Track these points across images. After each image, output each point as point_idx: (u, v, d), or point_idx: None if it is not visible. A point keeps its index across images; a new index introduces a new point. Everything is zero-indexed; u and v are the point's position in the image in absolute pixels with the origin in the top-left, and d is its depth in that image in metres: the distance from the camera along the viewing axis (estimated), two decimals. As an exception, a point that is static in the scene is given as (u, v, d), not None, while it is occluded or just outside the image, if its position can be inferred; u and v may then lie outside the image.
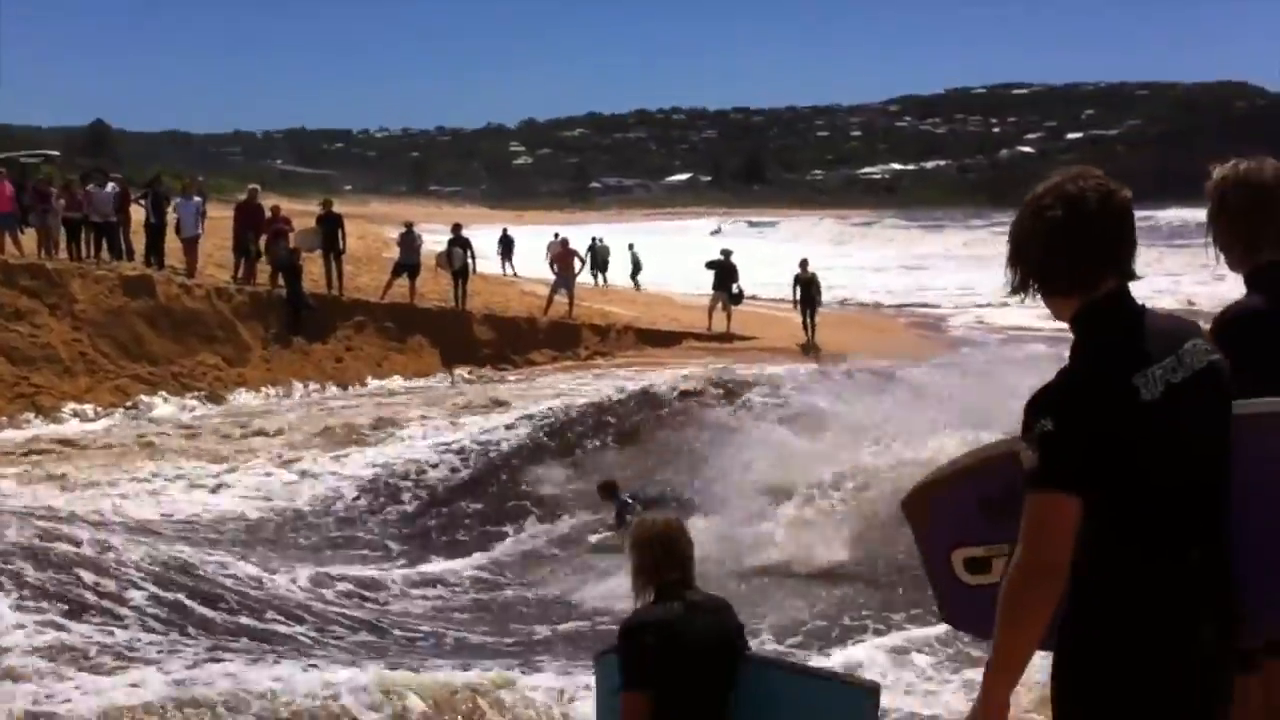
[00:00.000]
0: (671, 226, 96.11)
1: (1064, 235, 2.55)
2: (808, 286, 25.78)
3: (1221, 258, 3.20)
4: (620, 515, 13.14)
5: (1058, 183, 2.59)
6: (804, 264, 26.12)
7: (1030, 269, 2.64)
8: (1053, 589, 2.46)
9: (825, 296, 28.01)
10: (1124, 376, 2.48)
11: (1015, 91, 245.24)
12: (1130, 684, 2.51)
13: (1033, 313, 32.87)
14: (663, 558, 4.35)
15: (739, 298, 26.47)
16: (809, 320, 25.64)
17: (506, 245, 37.67)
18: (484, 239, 34.49)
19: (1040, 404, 2.50)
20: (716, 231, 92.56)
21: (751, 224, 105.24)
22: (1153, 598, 2.51)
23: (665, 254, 44.30)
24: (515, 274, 35.34)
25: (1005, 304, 34.00)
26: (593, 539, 13.62)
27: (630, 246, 39.05)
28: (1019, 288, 2.67)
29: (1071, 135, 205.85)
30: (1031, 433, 2.48)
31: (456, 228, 26.41)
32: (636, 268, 38.33)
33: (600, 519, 13.95)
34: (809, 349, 24.82)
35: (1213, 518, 2.58)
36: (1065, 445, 2.44)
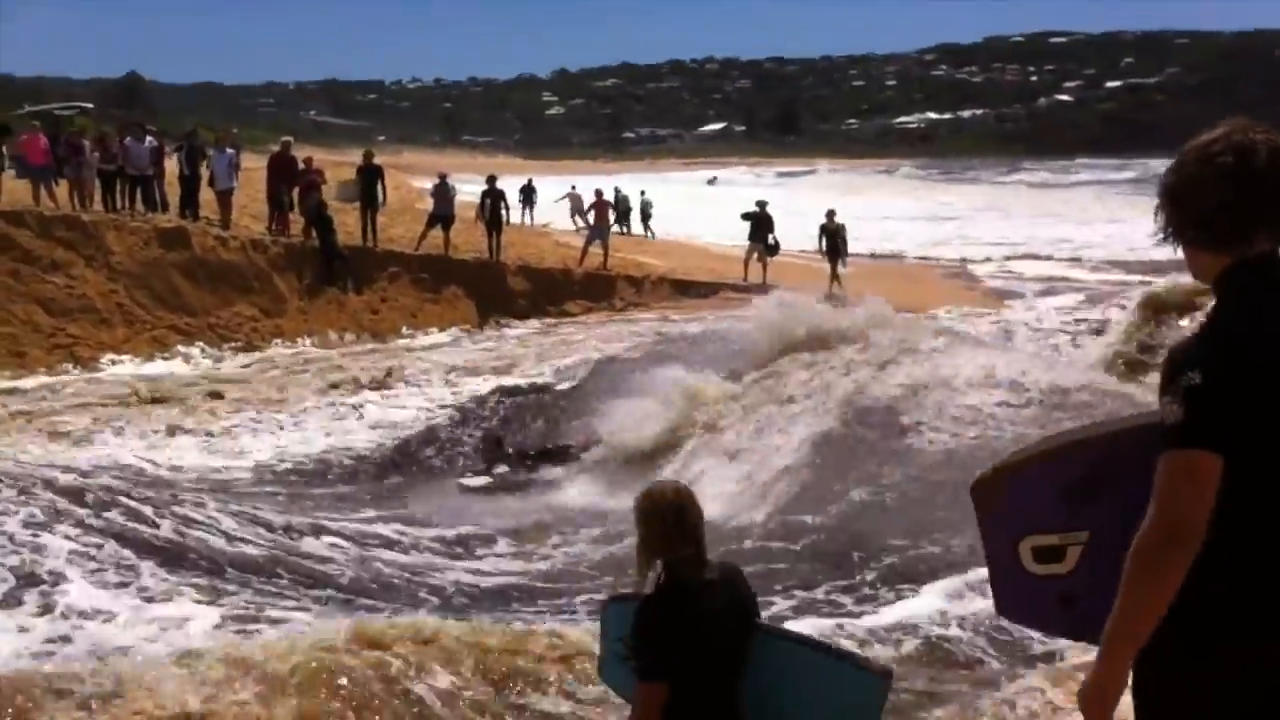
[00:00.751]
0: (701, 177, 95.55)
1: (1231, 185, 2.43)
2: (833, 236, 25.60)
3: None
4: None
5: (1227, 132, 2.48)
6: (830, 214, 25.95)
7: (1187, 217, 2.52)
8: (1187, 552, 2.35)
9: (855, 247, 27.78)
10: (1272, 335, 2.38)
11: (1053, 40, 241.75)
12: (1255, 660, 2.39)
13: (1065, 265, 32.71)
14: (675, 530, 4.04)
15: (775, 248, 26.28)
16: (835, 270, 25.45)
17: (528, 195, 37.60)
18: (512, 190, 34.44)
19: (1187, 358, 2.38)
20: (712, 181, 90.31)
21: (781, 175, 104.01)
22: (1259, 576, 2.40)
23: (689, 204, 43.96)
24: (535, 223, 35.49)
25: (1034, 256, 33.75)
26: None
27: (642, 193, 39.19)
28: (1170, 236, 2.56)
29: (1110, 84, 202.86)
30: (1175, 386, 2.36)
31: (491, 179, 26.29)
32: (646, 214, 38.60)
33: None
34: (833, 299, 24.59)
35: None
36: (1213, 401, 2.33)
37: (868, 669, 4.20)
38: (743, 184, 79.02)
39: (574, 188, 36.19)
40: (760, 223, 26.23)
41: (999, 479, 2.91)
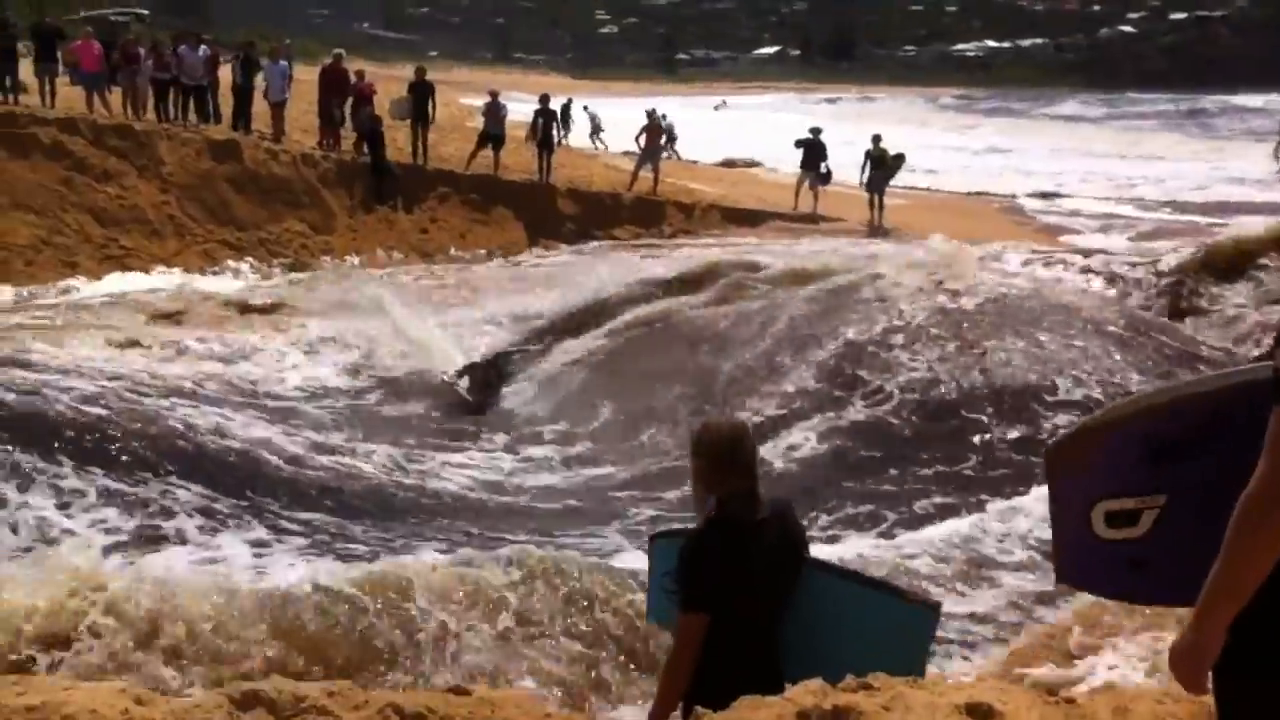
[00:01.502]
0: (750, 102, 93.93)
1: None
2: (879, 162, 25.01)
3: None
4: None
5: None
6: (876, 139, 25.37)
7: None
8: None
9: (904, 179, 27.31)
10: None
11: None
12: None
13: (1120, 203, 32.14)
14: (730, 465, 4.03)
15: (827, 177, 25.86)
16: (878, 200, 24.98)
17: (563, 115, 37.42)
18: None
19: None
20: (721, 105, 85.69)
21: (830, 100, 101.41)
22: None
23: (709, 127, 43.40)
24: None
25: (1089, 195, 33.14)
26: None
27: (585, 108, 39.03)
28: None
29: (1175, 15, 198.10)
30: None
31: (544, 98, 26.05)
32: (595, 129, 38.29)
33: None
34: (876, 230, 24.29)
35: None
36: None
37: (916, 603, 4.20)
38: (791, 110, 77.52)
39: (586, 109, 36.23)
40: (813, 150, 25.81)
41: (1084, 438, 2.79)
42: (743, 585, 3.98)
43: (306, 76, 26.48)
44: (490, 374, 14.95)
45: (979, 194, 33.54)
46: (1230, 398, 2.50)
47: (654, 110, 27.35)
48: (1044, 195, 33.84)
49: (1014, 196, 33.16)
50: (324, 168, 23.13)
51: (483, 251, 23.17)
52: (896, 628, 4.07)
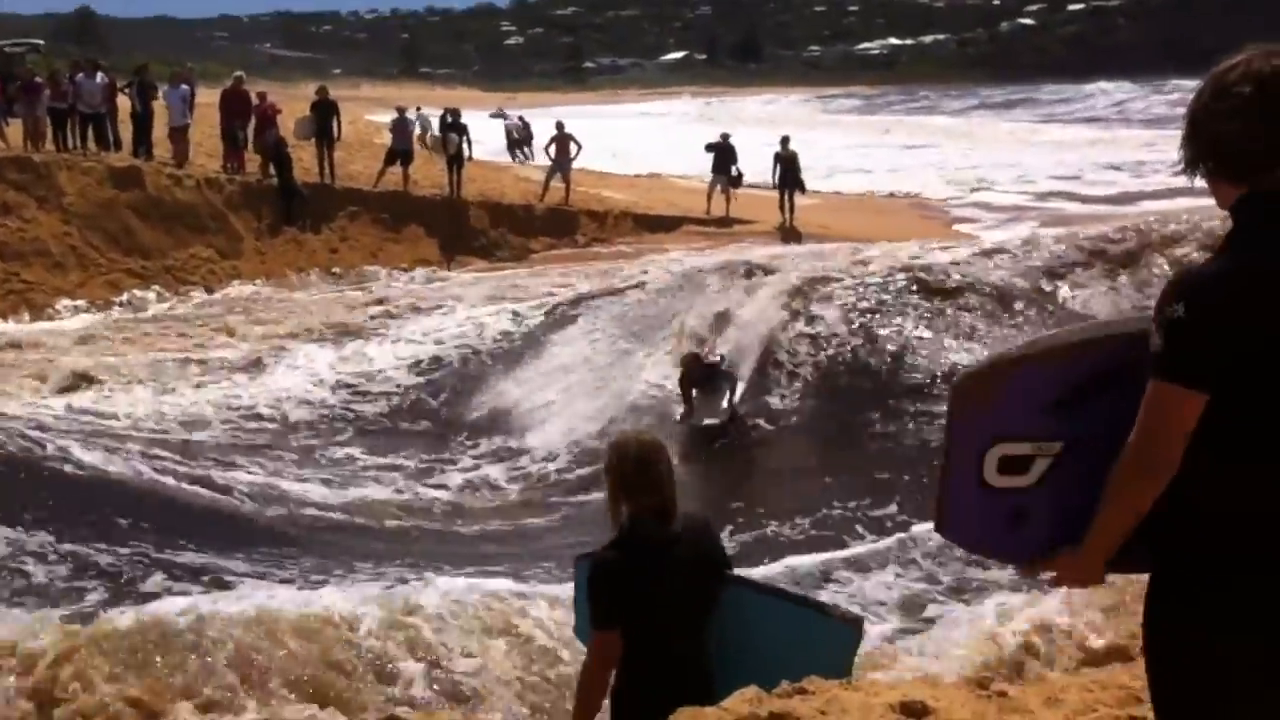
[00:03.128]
0: (646, 109, 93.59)
1: (1248, 115, 2.33)
2: (787, 165, 25.20)
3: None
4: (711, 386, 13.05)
5: (1247, 59, 2.38)
6: (785, 141, 25.58)
7: (1205, 148, 2.43)
8: (1157, 484, 2.35)
9: (814, 182, 27.57)
10: (1274, 267, 2.29)
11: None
12: (1240, 602, 2.34)
13: (1027, 196, 32.67)
14: (636, 482, 4.02)
15: (738, 180, 26.00)
16: (788, 201, 25.17)
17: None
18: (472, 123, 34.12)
19: (1177, 286, 2.32)
20: (497, 114, 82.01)
21: (716, 105, 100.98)
22: (1266, 510, 2.34)
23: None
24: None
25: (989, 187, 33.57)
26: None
27: (518, 117, 39.06)
28: (1189, 167, 2.46)
29: (1073, 7, 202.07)
30: (1162, 315, 2.31)
31: (452, 113, 25.88)
32: (517, 140, 37.36)
33: None
34: (787, 232, 24.45)
35: None
36: (1192, 336, 2.27)
37: (838, 618, 4.21)
38: (699, 117, 76.94)
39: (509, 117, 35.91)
40: (723, 154, 25.93)
41: (994, 374, 2.66)
42: (653, 602, 3.95)
43: (209, 100, 26.09)
44: None
45: (891, 195, 33.62)
46: (1135, 345, 2.46)
47: (562, 122, 27.29)
48: (953, 191, 34.14)
49: (919, 195, 33.33)
50: (229, 191, 22.78)
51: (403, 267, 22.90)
52: (821, 643, 4.09)
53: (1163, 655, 2.45)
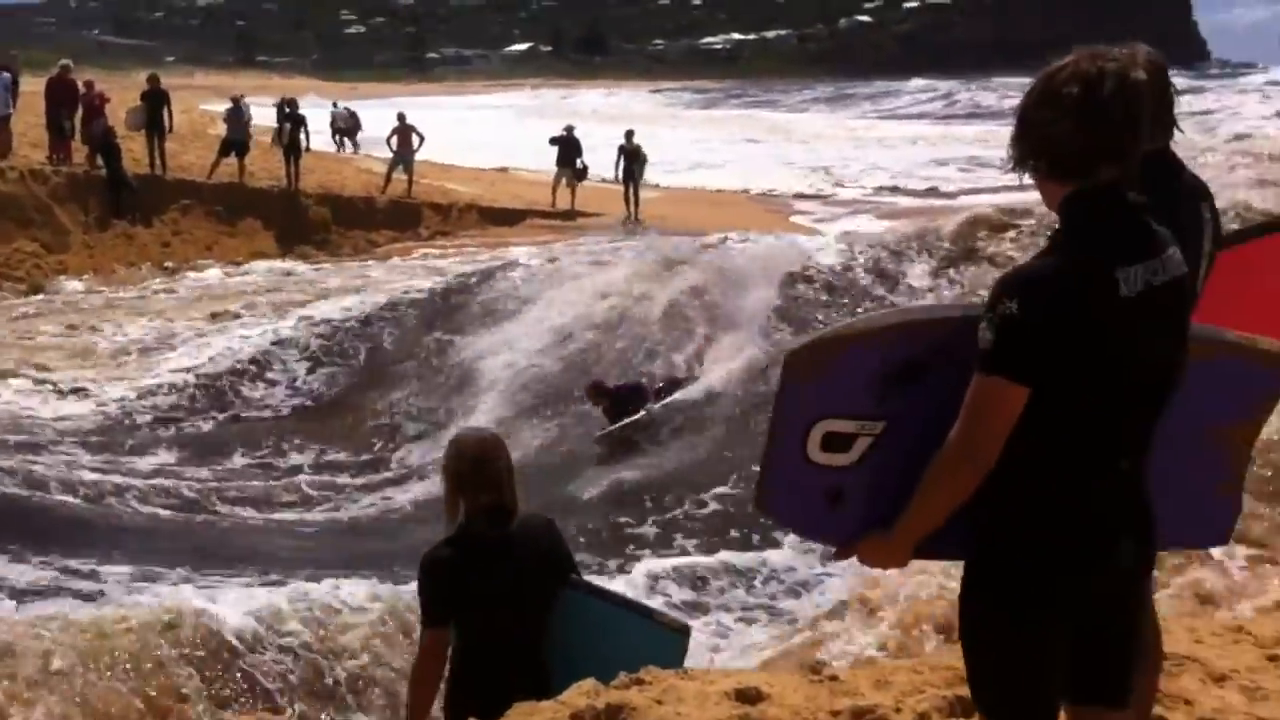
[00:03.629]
0: (490, 101, 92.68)
1: (1076, 116, 2.39)
2: (631, 158, 25.36)
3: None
4: (619, 408, 13.00)
5: (1075, 60, 2.43)
6: (629, 135, 25.80)
7: (1034, 148, 2.48)
8: (975, 476, 2.42)
9: (661, 177, 27.82)
10: (1108, 267, 2.37)
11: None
12: (1050, 594, 2.46)
13: (860, 189, 33.37)
14: (472, 479, 4.04)
15: (583, 173, 26.07)
16: (632, 194, 25.32)
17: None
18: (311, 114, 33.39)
19: (1010, 283, 2.38)
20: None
21: (563, 98, 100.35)
22: (1082, 507, 2.45)
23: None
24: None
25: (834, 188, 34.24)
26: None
27: (336, 105, 38.65)
28: (1018, 165, 2.52)
29: (909, 4, 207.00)
30: (994, 312, 2.36)
31: (290, 102, 25.34)
32: (343, 130, 36.62)
33: None
34: (631, 223, 24.60)
35: (1148, 431, 2.52)
36: (1026, 332, 2.34)
37: (667, 626, 4.33)
38: (545, 111, 75.87)
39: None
40: (568, 146, 25.96)
41: (823, 349, 2.66)
42: (485, 600, 3.97)
43: (34, 88, 25.06)
44: None
45: (747, 191, 33.80)
46: (962, 330, 2.52)
47: (404, 114, 26.92)
48: (803, 185, 34.55)
49: (772, 192, 33.54)
50: (55, 183, 21.93)
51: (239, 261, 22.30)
52: (650, 648, 4.17)
53: (975, 639, 2.55)
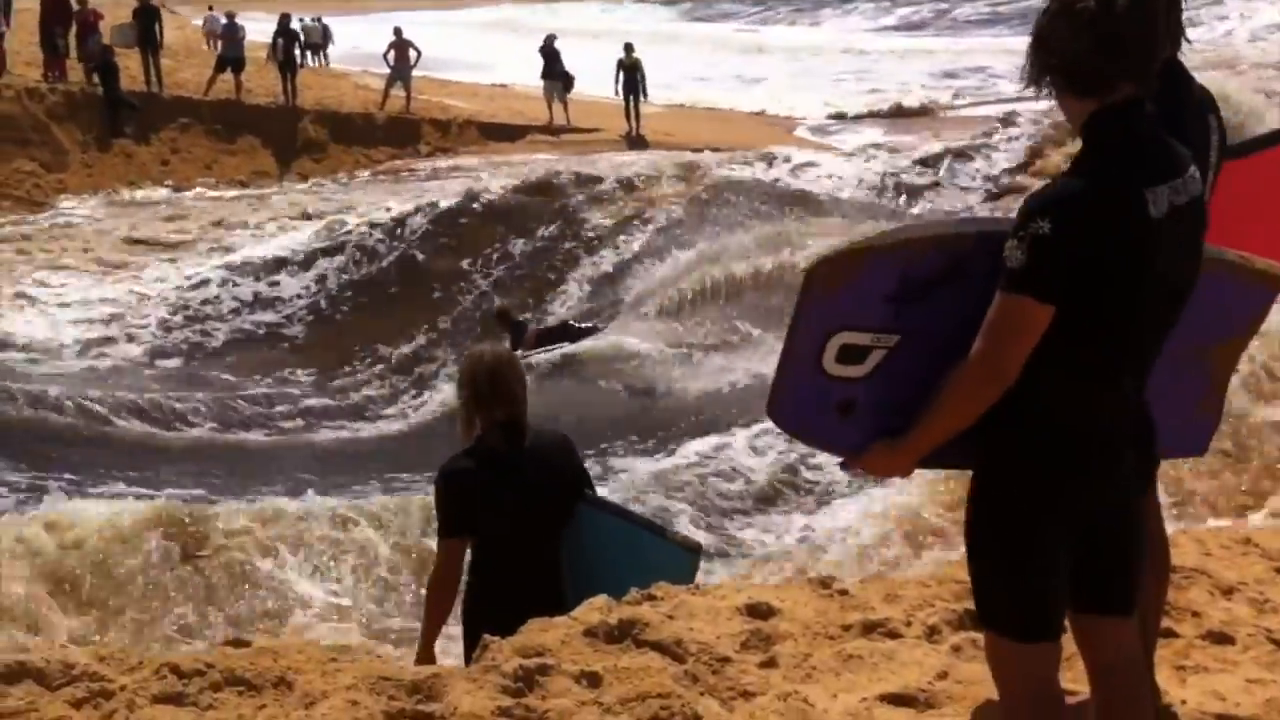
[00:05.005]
0: (485, 15, 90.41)
1: (1092, 31, 2.38)
2: (631, 72, 24.80)
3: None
4: (516, 341, 13.54)
5: None
6: (628, 48, 25.12)
7: (1051, 64, 2.48)
8: (996, 392, 2.44)
9: (664, 93, 27.39)
10: (1137, 188, 2.37)
11: None
12: (1056, 500, 2.50)
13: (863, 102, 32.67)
14: (489, 394, 4.06)
15: (570, 82, 25.54)
16: (634, 109, 24.90)
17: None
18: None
19: (1040, 204, 2.38)
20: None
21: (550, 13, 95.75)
22: (1089, 419, 2.50)
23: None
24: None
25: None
26: None
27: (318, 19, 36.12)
28: (1034, 82, 2.52)
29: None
30: (1025, 231, 2.36)
31: (284, 18, 25.02)
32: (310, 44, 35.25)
33: None
34: (634, 141, 24.26)
35: (1155, 349, 2.55)
36: (1058, 252, 2.34)
37: (680, 543, 4.39)
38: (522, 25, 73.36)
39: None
40: (550, 58, 25.55)
41: (845, 261, 2.66)
42: (501, 513, 4.03)
43: (28, 6, 24.72)
44: None
45: (758, 113, 32.99)
46: (981, 246, 2.53)
47: (400, 28, 26.49)
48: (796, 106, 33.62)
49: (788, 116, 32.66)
50: (51, 101, 21.73)
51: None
52: (662, 565, 4.21)
53: (982, 547, 2.58)
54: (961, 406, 2.48)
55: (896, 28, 65.96)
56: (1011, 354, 2.40)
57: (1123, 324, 2.44)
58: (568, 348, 13.77)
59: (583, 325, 14.46)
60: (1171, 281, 2.47)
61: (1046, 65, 2.49)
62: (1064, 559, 2.53)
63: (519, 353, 13.05)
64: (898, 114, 27.05)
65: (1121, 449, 2.53)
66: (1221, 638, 3.91)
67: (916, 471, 2.80)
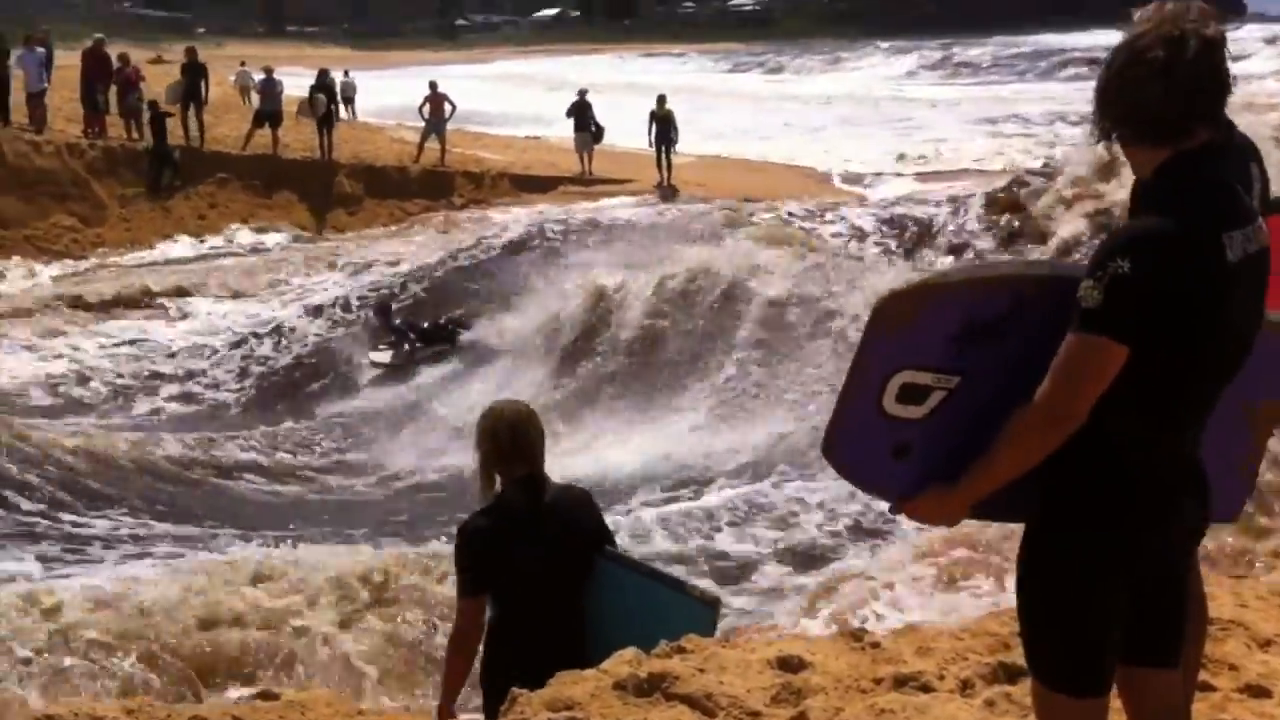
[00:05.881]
0: (517, 68, 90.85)
1: (1162, 82, 2.36)
2: (664, 123, 25.04)
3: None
4: (398, 341, 15.95)
5: (1156, 24, 2.39)
6: (661, 100, 25.31)
7: (1119, 115, 2.46)
8: (1062, 435, 2.39)
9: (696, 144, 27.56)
10: (1215, 232, 2.34)
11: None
12: (1119, 551, 2.46)
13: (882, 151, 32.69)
14: (510, 449, 4.05)
15: (599, 134, 25.84)
16: (665, 159, 25.04)
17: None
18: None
19: (1121, 243, 2.34)
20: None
21: (586, 67, 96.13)
22: (1152, 467, 2.46)
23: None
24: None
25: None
26: (372, 355, 16.24)
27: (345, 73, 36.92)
28: (1104, 135, 2.49)
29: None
30: (1104, 270, 2.32)
31: (322, 73, 25.39)
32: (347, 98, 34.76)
33: None
34: (665, 191, 24.40)
35: (1215, 399, 2.51)
36: (1137, 291, 2.30)
37: (698, 598, 4.34)
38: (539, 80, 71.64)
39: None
40: (582, 111, 25.83)
41: (914, 297, 2.60)
42: (521, 570, 4.00)
43: (69, 62, 25.20)
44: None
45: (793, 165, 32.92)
46: (1050, 288, 2.50)
47: (436, 82, 26.83)
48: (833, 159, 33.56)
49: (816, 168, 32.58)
50: (91, 156, 22.10)
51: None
52: (682, 619, 4.19)
53: (1039, 598, 2.53)
54: (1025, 449, 2.42)
55: (913, 73, 66.26)
56: (1083, 395, 2.36)
57: (1194, 370, 2.41)
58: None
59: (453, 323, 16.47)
60: (1240, 329, 2.44)
61: (1116, 118, 2.46)
62: (1121, 612, 2.49)
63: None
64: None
65: (1182, 499, 2.50)
66: (1259, 691, 3.85)
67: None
